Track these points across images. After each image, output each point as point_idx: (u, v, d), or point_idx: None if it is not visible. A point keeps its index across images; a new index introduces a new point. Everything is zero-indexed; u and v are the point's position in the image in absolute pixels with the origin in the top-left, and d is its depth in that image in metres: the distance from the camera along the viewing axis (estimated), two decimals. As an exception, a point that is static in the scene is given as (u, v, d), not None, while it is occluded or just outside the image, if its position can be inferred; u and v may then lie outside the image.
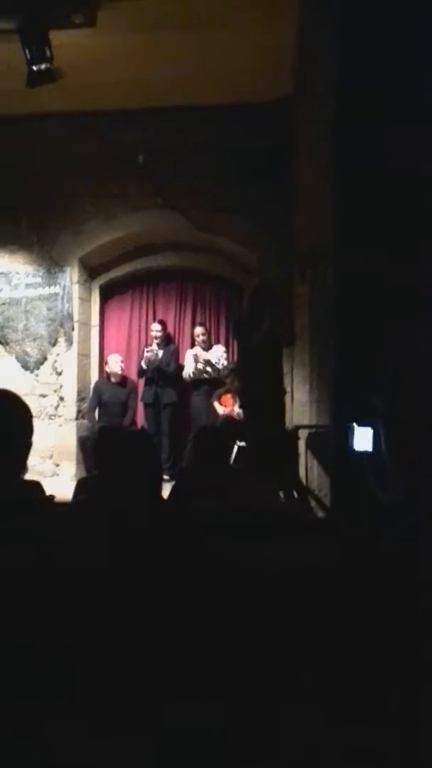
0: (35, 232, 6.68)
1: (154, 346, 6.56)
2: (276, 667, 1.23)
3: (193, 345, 6.66)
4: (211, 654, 1.40)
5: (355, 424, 1.67)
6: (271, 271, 5.90)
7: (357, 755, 1.08)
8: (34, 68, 4.86)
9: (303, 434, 5.10)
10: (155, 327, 6.67)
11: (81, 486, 3.80)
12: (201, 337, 6.56)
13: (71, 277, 6.65)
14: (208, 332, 6.66)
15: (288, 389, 5.73)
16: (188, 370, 6.47)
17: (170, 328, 6.93)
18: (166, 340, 6.71)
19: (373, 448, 1.70)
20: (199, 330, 6.63)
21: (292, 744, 1.12)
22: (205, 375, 6.41)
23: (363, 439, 1.72)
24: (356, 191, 2.73)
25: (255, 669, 1.24)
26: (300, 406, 5.69)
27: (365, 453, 1.73)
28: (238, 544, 1.85)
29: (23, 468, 1.56)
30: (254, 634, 1.41)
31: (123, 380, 6.63)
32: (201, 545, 1.77)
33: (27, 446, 1.51)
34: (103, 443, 3.55)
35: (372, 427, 1.68)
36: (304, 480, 4.90)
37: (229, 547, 1.81)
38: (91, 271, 6.95)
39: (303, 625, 1.34)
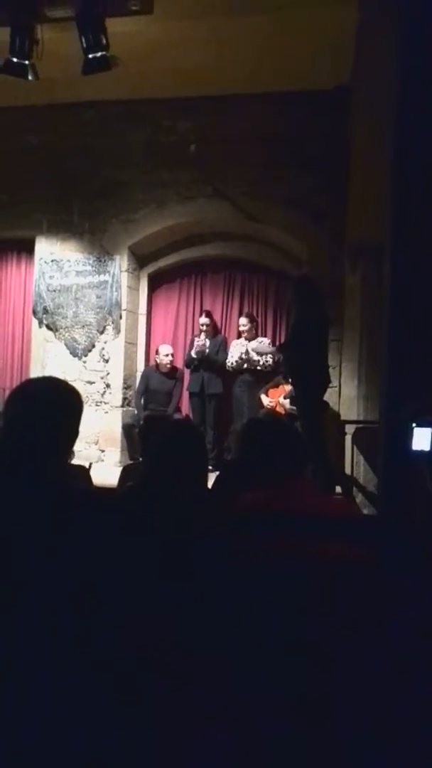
0: (87, 220, 6.74)
1: (202, 336, 6.55)
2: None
3: (240, 336, 6.61)
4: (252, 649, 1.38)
5: (414, 425, 1.61)
6: (322, 261, 5.81)
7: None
8: (90, 56, 4.88)
9: (350, 429, 5.03)
10: (202, 320, 6.64)
11: (127, 473, 3.82)
12: (245, 327, 6.50)
13: (120, 265, 6.69)
14: (252, 322, 6.57)
15: (335, 384, 5.65)
16: (230, 361, 6.43)
17: (217, 318, 6.90)
18: (214, 331, 6.70)
19: (431, 448, 1.65)
20: (242, 320, 6.55)
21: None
22: (246, 365, 6.36)
23: (422, 439, 1.66)
24: (417, 182, 2.63)
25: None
26: (347, 401, 5.61)
27: (422, 453, 1.68)
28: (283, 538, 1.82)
29: (68, 453, 1.54)
30: (297, 625, 1.38)
31: (171, 371, 6.66)
32: (245, 536, 1.74)
33: (73, 432, 1.48)
34: (150, 431, 3.57)
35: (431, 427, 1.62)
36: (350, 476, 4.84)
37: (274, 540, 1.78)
38: (140, 260, 6.98)
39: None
